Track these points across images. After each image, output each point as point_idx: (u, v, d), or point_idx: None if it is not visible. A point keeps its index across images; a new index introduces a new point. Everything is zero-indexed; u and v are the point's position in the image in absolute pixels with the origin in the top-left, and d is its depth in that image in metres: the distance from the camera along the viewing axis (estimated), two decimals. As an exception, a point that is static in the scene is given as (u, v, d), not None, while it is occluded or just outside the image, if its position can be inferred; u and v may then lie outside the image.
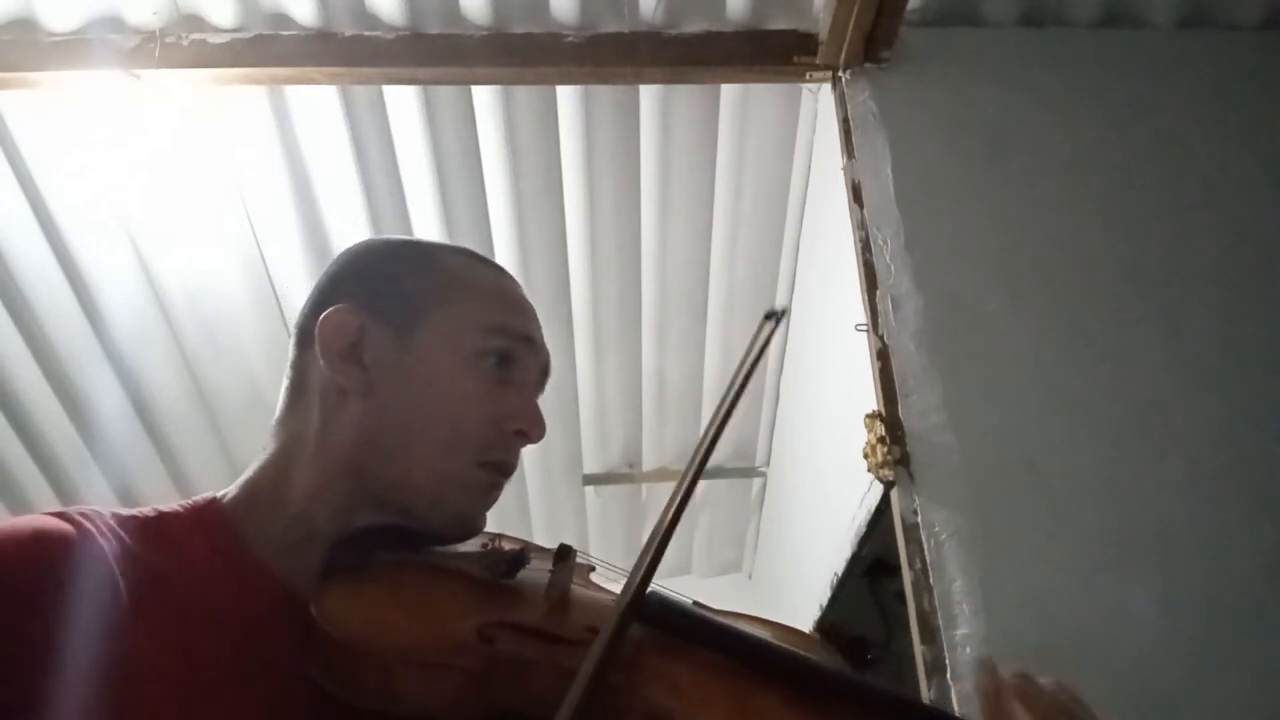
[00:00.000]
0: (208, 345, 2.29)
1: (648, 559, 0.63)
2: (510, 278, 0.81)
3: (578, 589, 0.72)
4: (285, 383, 0.76)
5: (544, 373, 0.80)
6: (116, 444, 2.42)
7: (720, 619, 0.72)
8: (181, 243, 2.08)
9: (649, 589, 0.63)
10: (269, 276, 2.17)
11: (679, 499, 0.66)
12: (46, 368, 2.24)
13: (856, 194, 1.61)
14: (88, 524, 0.64)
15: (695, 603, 0.73)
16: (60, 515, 0.64)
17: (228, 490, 0.73)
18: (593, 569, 0.78)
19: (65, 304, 2.13)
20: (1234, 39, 1.80)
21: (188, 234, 2.07)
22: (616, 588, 0.66)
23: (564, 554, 0.72)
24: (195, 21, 1.71)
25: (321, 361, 0.72)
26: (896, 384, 1.45)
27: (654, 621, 0.66)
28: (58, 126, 1.85)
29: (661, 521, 0.65)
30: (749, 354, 0.76)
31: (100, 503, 2.48)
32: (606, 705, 0.59)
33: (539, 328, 0.79)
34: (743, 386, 0.73)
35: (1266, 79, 1.75)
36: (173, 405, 2.41)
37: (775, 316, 0.80)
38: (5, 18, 1.68)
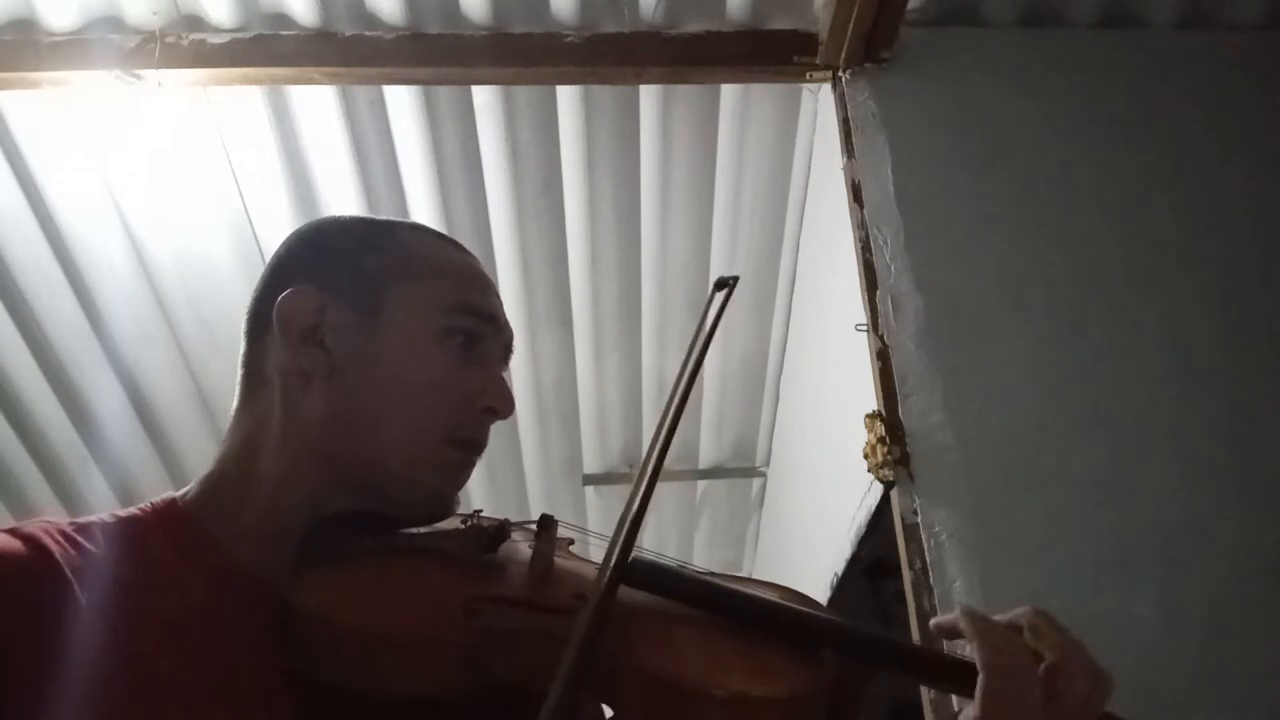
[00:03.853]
0: (208, 345, 2.29)
1: (627, 523, 0.62)
2: (470, 254, 0.79)
3: (560, 559, 0.72)
4: (240, 373, 0.74)
5: (507, 350, 0.79)
6: (116, 444, 2.42)
7: (707, 577, 0.71)
8: (182, 243, 2.08)
9: (634, 553, 0.63)
10: (269, 276, 2.17)
11: (653, 465, 0.66)
12: (46, 368, 2.24)
13: (856, 194, 1.61)
14: (41, 537, 0.62)
15: (680, 564, 0.73)
16: (10, 531, 0.62)
17: (188, 489, 0.72)
18: (571, 541, 0.78)
19: (65, 304, 2.14)
20: (1234, 39, 1.80)
21: (188, 234, 2.07)
22: (597, 556, 0.66)
23: (546, 524, 0.72)
24: (195, 21, 1.71)
25: (282, 346, 0.71)
26: (896, 384, 1.45)
27: (643, 583, 0.66)
28: (58, 126, 1.85)
29: (639, 483, 0.65)
30: (703, 323, 0.75)
31: (100, 503, 2.49)
32: (602, 668, 0.59)
33: (501, 305, 0.78)
34: (702, 355, 0.73)
35: (1266, 79, 1.75)
36: (173, 405, 2.41)
37: (727, 284, 0.80)
38: (5, 18, 1.68)
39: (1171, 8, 1.78)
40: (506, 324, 0.78)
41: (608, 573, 0.60)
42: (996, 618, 0.65)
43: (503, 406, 0.74)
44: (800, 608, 0.70)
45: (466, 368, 0.73)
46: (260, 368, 0.73)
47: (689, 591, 0.68)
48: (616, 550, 0.61)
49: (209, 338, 2.27)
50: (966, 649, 0.63)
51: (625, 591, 0.64)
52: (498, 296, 0.78)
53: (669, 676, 0.60)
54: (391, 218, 0.86)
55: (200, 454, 2.51)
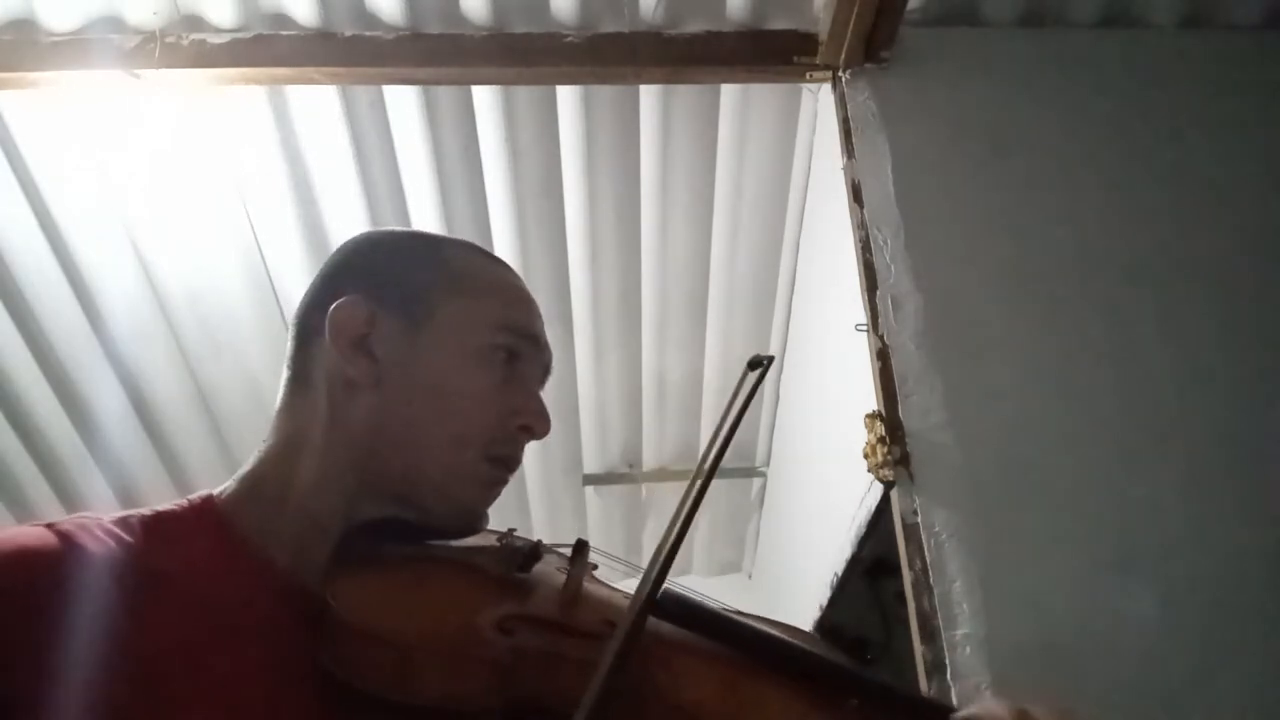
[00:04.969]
0: (208, 345, 2.29)
1: (662, 556, 0.63)
2: (516, 274, 0.82)
3: (590, 584, 0.73)
4: (285, 374, 0.75)
5: (546, 370, 0.81)
6: (116, 444, 2.42)
7: (731, 615, 0.72)
8: (181, 243, 2.08)
9: (664, 585, 0.64)
10: (269, 276, 2.17)
11: (685, 512, 0.66)
12: (46, 368, 2.24)
13: (856, 194, 1.61)
14: (76, 532, 0.63)
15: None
16: (48, 526, 0.64)
17: (225, 486, 0.73)
18: (596, 567, 0.79)
19: (65, 304, 2.13)
20: (1234, 39, 1.80)
21: (188, 234, 2.07)
22: (621, 583, 0.67)
23: (580, 549, 0.73)
24: (195, 21, 1.71)
25: (331, 352, 0.72)
26: (896, 384, 1.45)
27: (671, 615, 0.67)
28: (58, 126, 1.85)
29: (674, 523, 0.66)
30: (733, 403, 0.76)
31: (100, 503, 2.48)
32: (626, 697, 0.60)
33: (543, 325, 0.80)
34: (729, 438, 0.73)
35: (1266, 79, 1.75)
36: (173, 405, 2.41)
37: (761, 364, 0.80)
38: (5, 18, 1.68)
39: (1171, 8, 1.78)
40: (547, 345, 0.80)
41: (639, 602, 0.61)
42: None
43: (539, 426, 0.76)
44: (826, 655, 0.71)
45: (506, 385, 0.75)
46: (307, 372, 0.74)
47: (717, 629, 0.68)
48: (650, 581, 0.62)
49: (209, 337, 2.27)
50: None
51: (656, 623, 0.65)
52: (540, 317, 0.80)
53: (696, 711, 0.61)
54: (439, 233, 0.88)
55: (200, 454, 2.51)
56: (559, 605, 0.67)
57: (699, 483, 0.69)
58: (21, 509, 2.48)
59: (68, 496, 2.50)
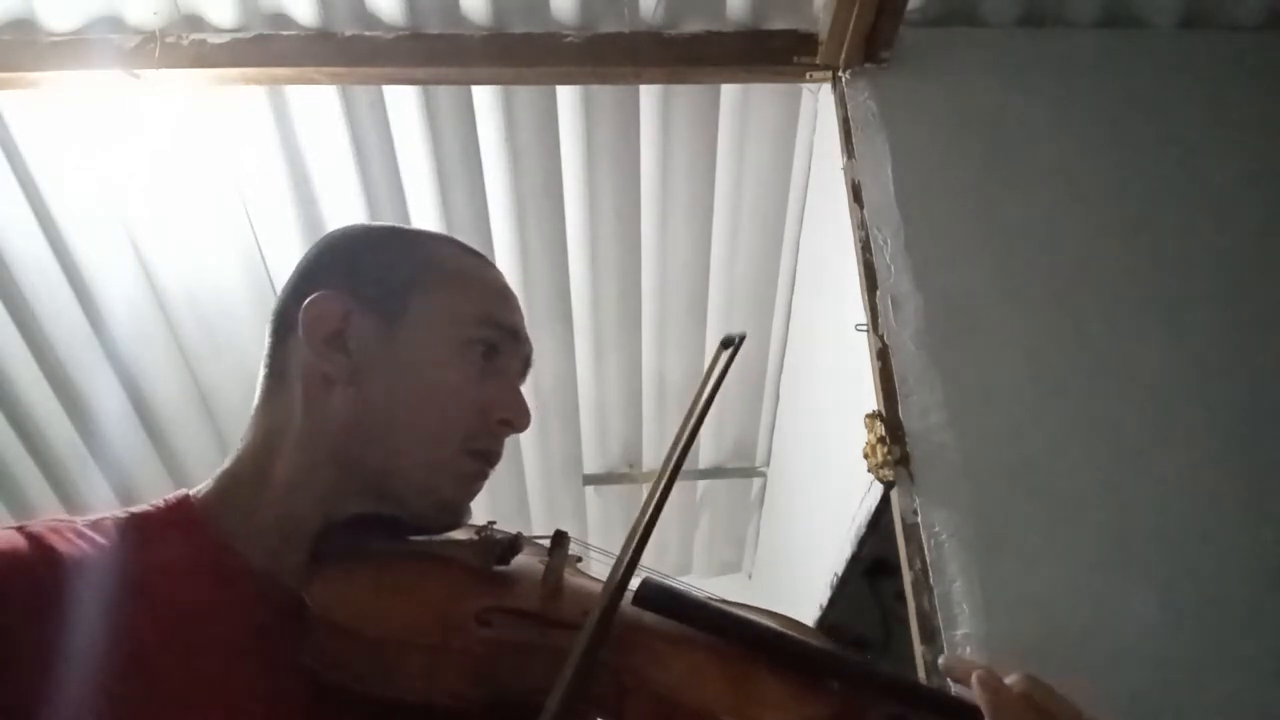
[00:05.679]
0: (208, 345, 2.29)
1: (633, 543, 0.63)
2: (494, 267, 0.81)
3: (571, 576, 0.72)
4: (263, 371, 0.75)
5: (526, 363, 0.80)
6: (116, 444, 2.42)
7: (713, 602, 0.72)
8: (181, 242, 2.08)
9: (642, 573, 0.64)
10: (269, 276, 2.17)
11: (654, 505, 0.66)
12: (46, 368, 2.24)
13: (856, 194, 1.61)
14: (47, 534, 0.63)
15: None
16: (18, 528, 0.63)
17: (202, 485, 0.72)
18: (580, 559, 0.79)
19: (65, 304, 2.13)
20: (1234, 39, 1.80)
21: (188, 234, 2.07)
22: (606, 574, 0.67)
23: (559, 540, 0.72)
24: (195, 21, 1.71)
25: (306, 348, 0.71)
26: (896, 384, 1.45)
27: (652, 604, 0.66)
28: (58, 126, 1.85)
29: (646, 506, 0.66)
30: (707, 380, 0.76)
31: (100, 502, 2.49)
32: (604, 685, 0.60)
33: (522, 319, 0.79)
34: (703, 414, 0.73)
35: (1266, 79, 1.75)
36: (173, 405, 2.41)
37: (733, 343, 0.80)
38: (5, 18, 1.68)
39: (1171, 8, 1.78)
40: (527, 338, 0.79)
41: (610, 589, 0.61)
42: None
43: (519, 419, 0.75)
44: (807, 639, 0.71)
45: (485, 379, 0.74)
46: (283, 369, 0.74)
47: (698, 616, 0.68)
48: (622, 568, 0.62)
49: (209, 337, 2.27)
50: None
51: (636, 612, 0.65)
52: (520, 311, 0.79)
53: (677, 698, 0.61)
54: (418, 228, 0.87)
55: (200, 454, 2.51)
56: (538, 597, 0.67)
57: (670, 464, 0.69)
58: (21, 509, 2.48)
59: (68, 496, 2.50)
